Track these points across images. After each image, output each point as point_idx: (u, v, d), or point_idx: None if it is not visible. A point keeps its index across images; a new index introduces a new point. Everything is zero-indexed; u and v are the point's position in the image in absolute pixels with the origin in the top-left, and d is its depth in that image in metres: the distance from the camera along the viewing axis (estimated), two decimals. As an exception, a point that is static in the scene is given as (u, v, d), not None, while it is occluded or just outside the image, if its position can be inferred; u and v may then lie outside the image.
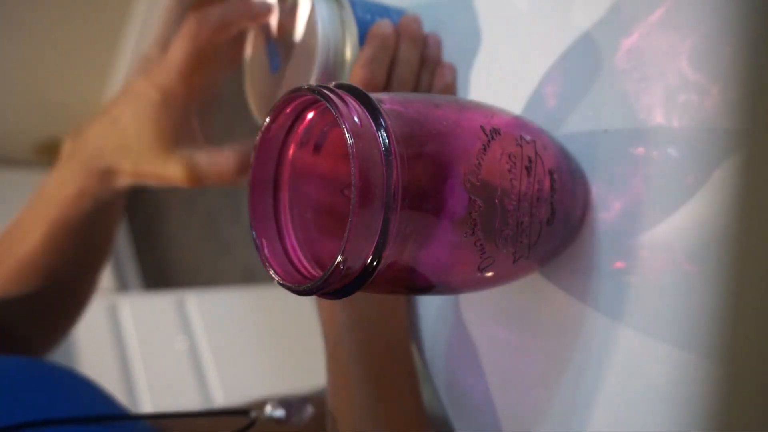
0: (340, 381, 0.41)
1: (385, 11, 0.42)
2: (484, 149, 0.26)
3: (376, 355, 0.40)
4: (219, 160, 0.43)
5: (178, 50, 0.42)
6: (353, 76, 0.38)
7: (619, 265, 0.32)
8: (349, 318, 0.41)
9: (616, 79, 0.32)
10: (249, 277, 1.88)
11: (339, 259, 0.23)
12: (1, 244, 0.52)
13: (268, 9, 0.42)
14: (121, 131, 0.45)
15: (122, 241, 2.52)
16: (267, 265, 0.27)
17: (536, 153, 0.28)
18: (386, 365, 0.41)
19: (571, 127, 0.34)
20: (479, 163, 0.25)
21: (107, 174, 0.46)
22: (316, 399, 0.44)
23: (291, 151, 0.28)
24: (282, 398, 0.39)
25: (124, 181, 0.47)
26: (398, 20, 0.42)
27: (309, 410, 0.40)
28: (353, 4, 0.40)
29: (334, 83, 0.25)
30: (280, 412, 0.39)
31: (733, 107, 0.27)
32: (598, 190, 0.33)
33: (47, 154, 2.41)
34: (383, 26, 0.39)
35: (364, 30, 0.40)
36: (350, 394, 0.40)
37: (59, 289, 0.53)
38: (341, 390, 0.41)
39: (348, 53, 0.39)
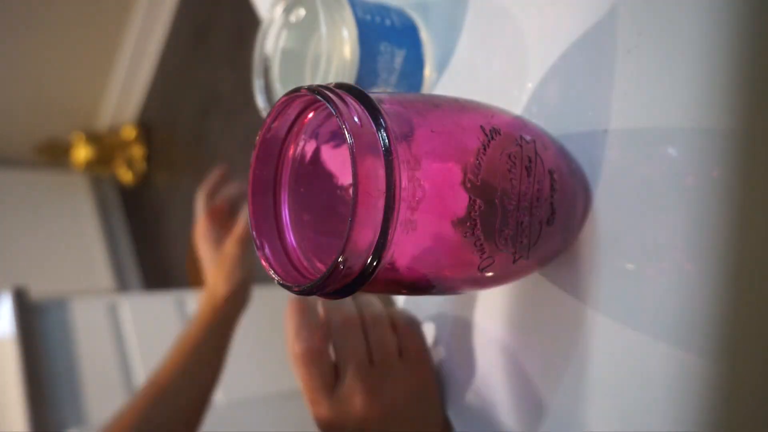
0: None
1: (386, 11, 0.42)
2: (484, 149, 0.26)
3: None
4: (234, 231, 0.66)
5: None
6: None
7: (618, 265, 0.32)
8: None
9: (616, 79, 0.32)
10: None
11: (339, 259, 0.23)
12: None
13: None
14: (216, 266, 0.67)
15: (122, 241, 2.52)
16: (267, 265, 0.27)
17: (536, 153, 0.28)
18: None
19: (571, 127, 0.34)
20: (479, 163, 0.25)
21: (213, 291, 0.66)
22: None
23: (291, 151, 0.28)
24: None
25: (223, 289, 0.65)
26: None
27: None
28: (353, 5, 0.40)
29: (334, 83, 0.25)
30: None
31: (733, 107, 0.27)
32: (598, 190, 0.33)
33: (47, 154, 2.41)
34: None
35: (364, 30, 0.40)
36: None
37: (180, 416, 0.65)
38: None
39: (347, 53, 0.39)
